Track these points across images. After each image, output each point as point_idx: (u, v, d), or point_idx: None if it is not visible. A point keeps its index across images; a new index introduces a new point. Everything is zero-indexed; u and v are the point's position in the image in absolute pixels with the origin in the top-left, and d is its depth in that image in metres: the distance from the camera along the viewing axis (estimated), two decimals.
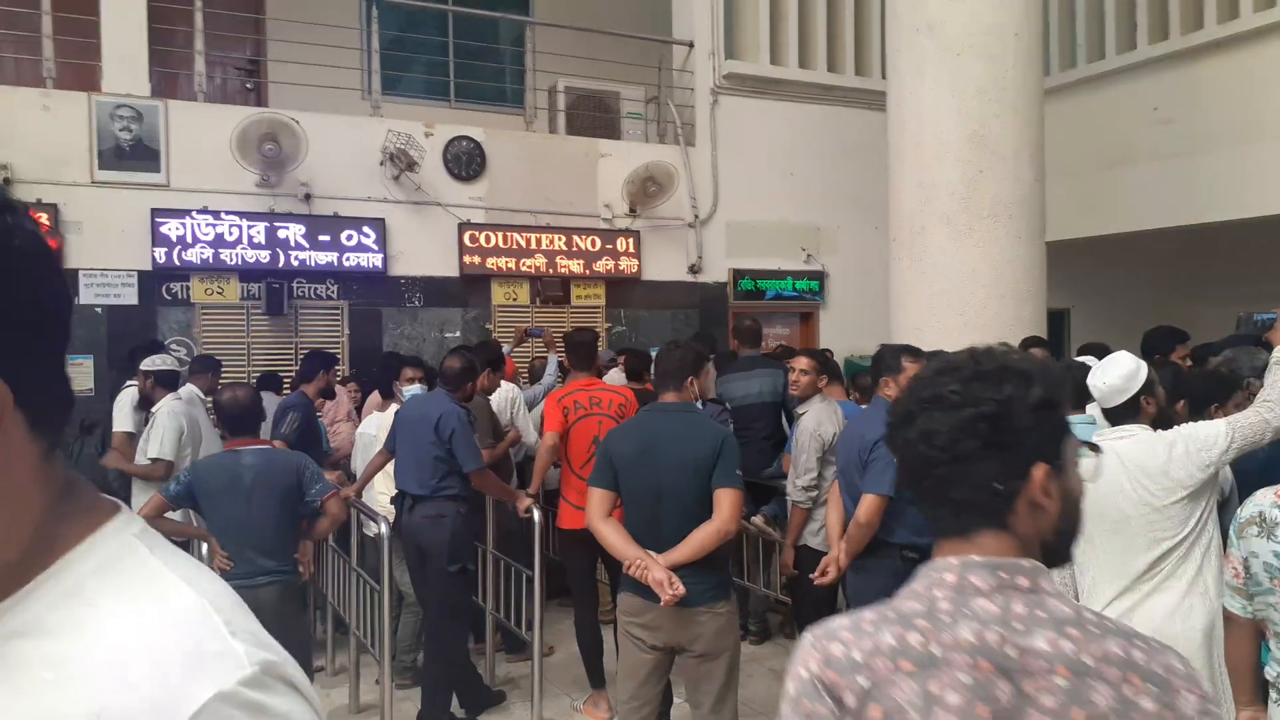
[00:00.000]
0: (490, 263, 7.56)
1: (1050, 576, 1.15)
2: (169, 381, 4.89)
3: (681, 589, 3.01)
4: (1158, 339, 5.05)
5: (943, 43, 5.62)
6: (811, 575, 3.85)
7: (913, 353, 3.83)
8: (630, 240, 8.00)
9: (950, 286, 5.67)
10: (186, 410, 4.78)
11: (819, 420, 4.26)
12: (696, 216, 8.27)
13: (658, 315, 8.18)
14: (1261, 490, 2.45)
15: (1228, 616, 2.46)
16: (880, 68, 8.31)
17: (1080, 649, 1.07)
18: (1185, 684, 1.07)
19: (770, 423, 5.44)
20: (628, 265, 7.98)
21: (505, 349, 6.12)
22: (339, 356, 6.20)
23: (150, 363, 4.93)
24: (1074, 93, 8.12)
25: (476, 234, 7.53)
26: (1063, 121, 7.77)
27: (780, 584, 4.96)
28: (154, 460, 4.64)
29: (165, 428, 4.65)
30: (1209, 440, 2.95)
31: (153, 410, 4.78)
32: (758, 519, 5.16)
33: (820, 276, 8.81)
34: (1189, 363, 4.81)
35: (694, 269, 8.28)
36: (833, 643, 1.15)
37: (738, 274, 8.46)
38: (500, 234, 7.60)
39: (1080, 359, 4.11)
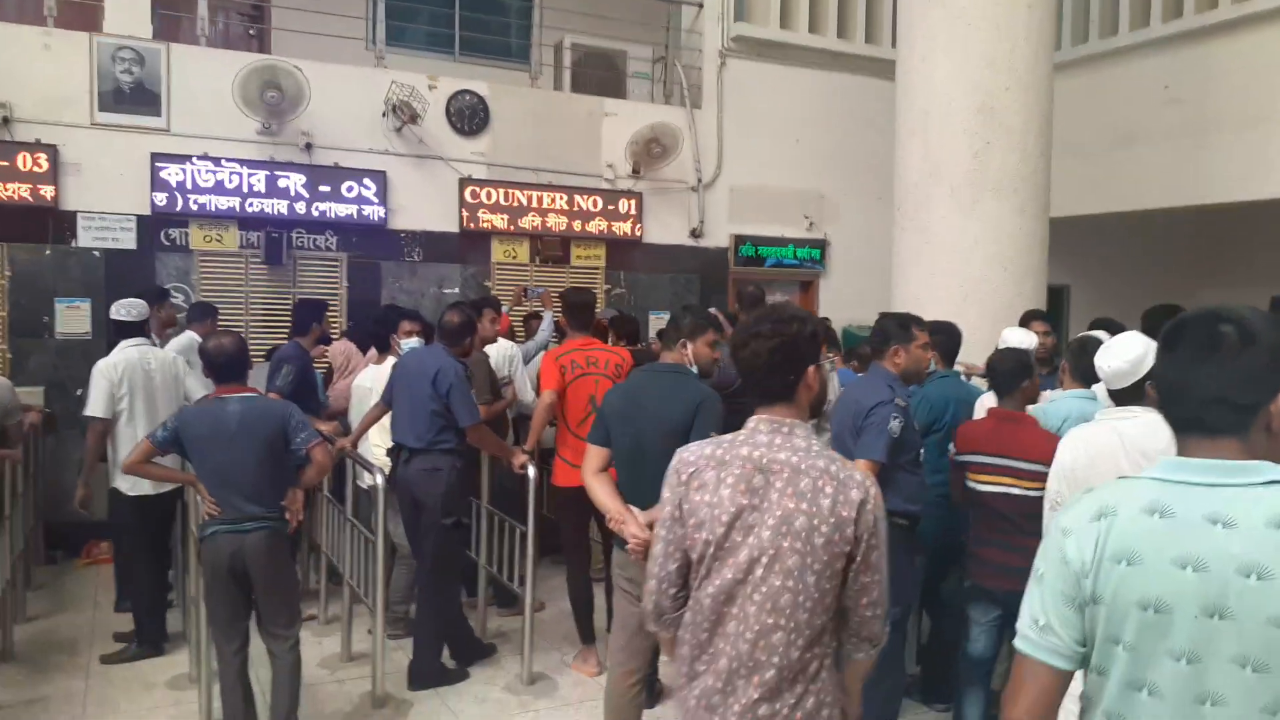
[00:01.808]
0: (491, 219, 7.52)
1: (805, 426, 2.05)
2: (124, 331, 4.78)
3: (645, 539, 3.04)
4: (1157, 318, 5.04)
5: (954, 11, 5.56)
6: None
7: (918, 322, 3.85)
8: (632, 202, 7.96)
9: (952, 258, 5.66)
10: (129, 360, 4.67)
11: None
12: (700, 180, 8.22)
13: (657, 279, 8.16)
14: None
15: None
16: (891, 36, 8.23)
17: (801, 460, 1.96)
18: (856, 485, 1.94)
19: None
20: (629, 227, 7.95)
21: (504, 307, 6.12)
22: (328, 304, 6.18)
23: (114, 310, 4.87)
24: (1085, 68, 8.06)
25: (478, 190, 7.49)
26: (1073, 97, 7.72)
27: None
28: (89, 419, 4.61)
29: (95, 386, 4.61)
30: None
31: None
32: None
33: (822, 245, 8.79)
34: None
35: (695, 233, 8.25)
36: (686, 452, 2.10)
37: (739, 239, 8.43)
38: (502, 190, 7.56)
39: (1092, 333, 4.11)
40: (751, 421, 2.04)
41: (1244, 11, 7.01)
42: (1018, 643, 1.54)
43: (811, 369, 2.04)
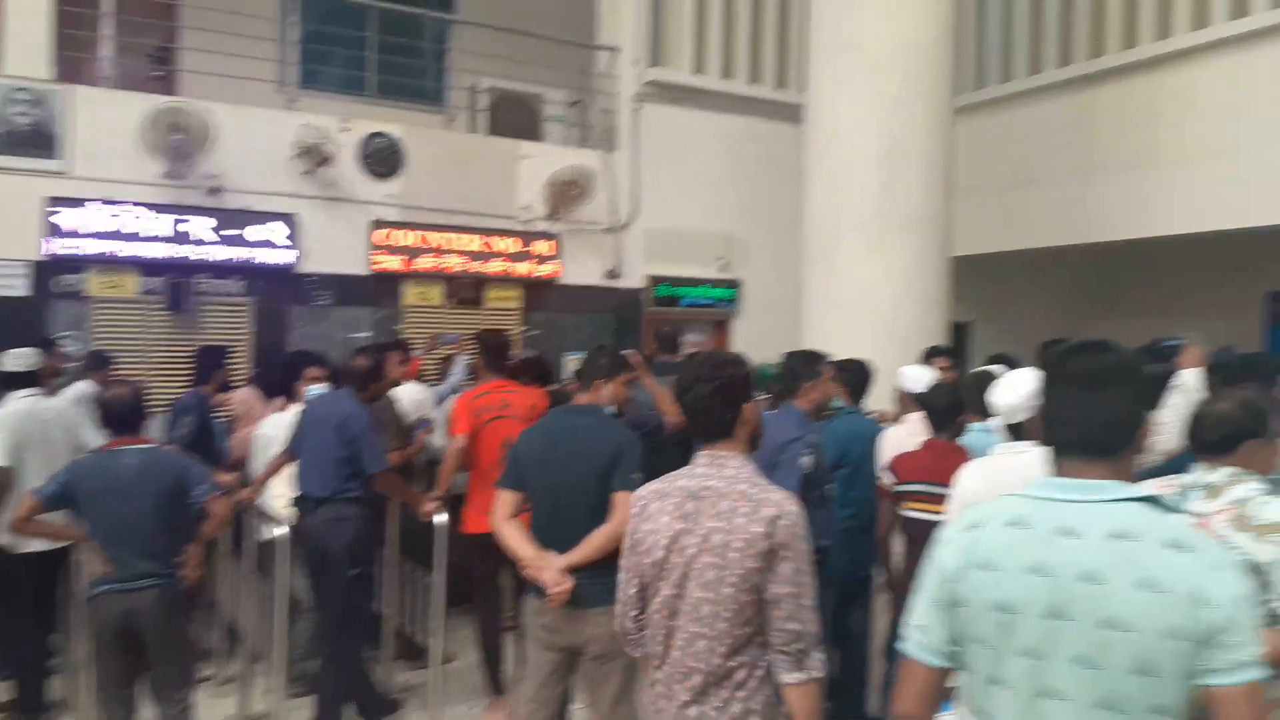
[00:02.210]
0: (403, 262, 7.44)
1: (739, 458, 2.28)
2: (14, 382, 4.51)
3: (567, 588, 3.05)
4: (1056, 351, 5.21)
5: (860, 58, 5.75)
6: None
7: (822, 358, 3.93)
8: (548, 243, 7.96)
9: (860, 296, 5.79)
10: (21, 412, 4.43)
11: None
12: (616, 222, 8.27)
13: (574, 320, 8.16)
14: (1147, 481, 2.55)
15: None
16: (800, 81, 8.45)
17: (727, 486, 2.20)
18: (771, 505, 2.15)
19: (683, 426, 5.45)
20: (545, 268, 7.95)
21: (415, 350, 6.04)
22: (229, 350, 6.01)
23: (2, 361, 4.65)
24: (985, 112, 8.39)
25: (390, 232, 7.41)
26: (974, 139, 8.02)
27: None
28: None
29: None
30: None
31: None
32: None
33: (735, 285, 8.91)
34: None
35: (612, 274, 8.28)
36: (640, 490, 2.37)
37: (655, 280, 8.49)
38: (414, 233, 7.49)
39: (987, 368, 4.22)
40: (698, 457, 2.32)
41: (1128, 60, 7.39)
42: (901, 644, 1.72)
43: (748, 406, 2.30)
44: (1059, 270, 9.89)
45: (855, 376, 4.53)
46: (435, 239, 7.56)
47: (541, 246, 7.93)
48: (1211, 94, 6.84)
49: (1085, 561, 1.50)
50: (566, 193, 7.75)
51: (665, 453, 5.07)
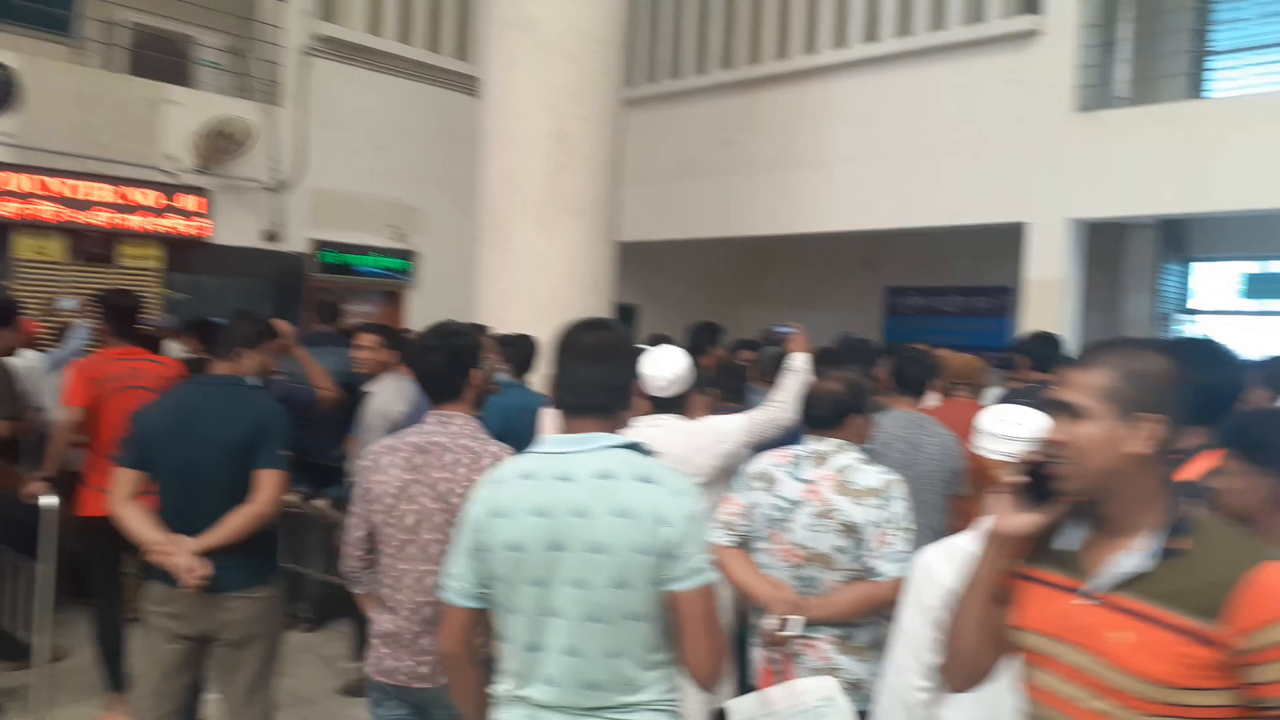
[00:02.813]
0: (17, 209, 6.45)
1: (464, 416, 2.53)
2: None
3: (204, 573, 2.86)
4: (699, 334, 5.61)
5: (535, 40, 5.77)
6: None
7: (483, 332, 3.93)
8: (196, 199, 7.26)
9: (529, 276, 5.85)
10: None
11: (388, 400, 4.16)
12: (278, 180, 7.73)
13: (228, 284, 7.52)
14: (767, 452, 2.82)
15: (717, 549, 2.78)
16: (479, 55, 8.37)
17: (451, 440, 2.46)
18: (489, 455, 2.42)
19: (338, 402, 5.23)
20: (193, 226, 7.24)
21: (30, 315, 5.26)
22: None
23: None
24: (653, 105, 8.81)
25: (1, 174, 6.39)
26: (643, 131, 8.39)
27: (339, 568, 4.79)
28: None
29: None
30: (726, 433, 3.31)
31: None
32: (321, 501, 4.96)
33: (410, 256, 8.68)
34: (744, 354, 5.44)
35: (271, 236, 7.73)
36: (374, 444, 2.62)
37: (320, 245, 8.05)
38: (31, 177, 6.52)
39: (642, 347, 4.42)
40: (428, 415, 2.56)
41: (780, 69, 8.09)
42: (440, 591, 1.98)
43: (475, 371, 2.57)
44: (716, 259, 10.66)
45: (520, 352, 4.60)
46: (57, 185, 6.62)
47: (189, 202, 7.21)
48: (848, 106, 7.68)
49: (577, 500, 1.78)
50: (220, 145, 7.12)
51: (318, 428, 4.85)
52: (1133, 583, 1.44)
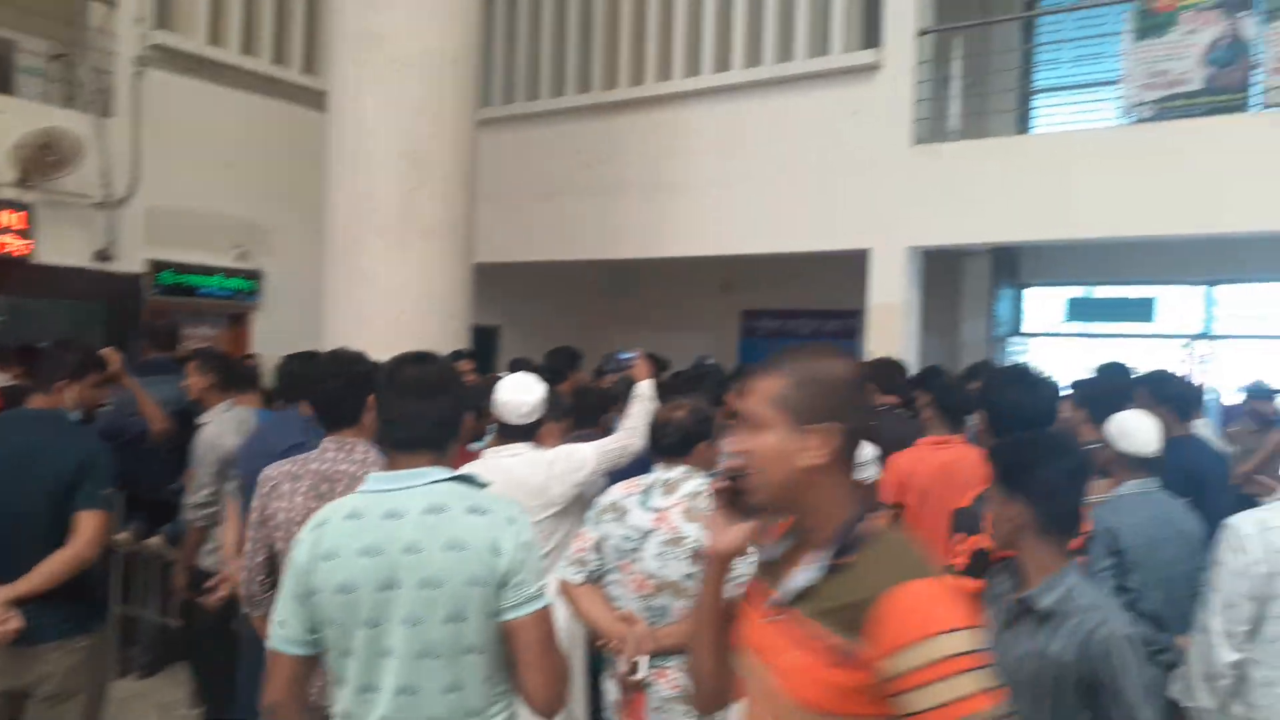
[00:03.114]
0: None
1: (365, 443, 2.60)
2: None
3: (15, 625, 2.69)
4: (558, 358, 5.60)
5: (385, 56, 5.66)
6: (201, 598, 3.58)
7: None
8: (17, 215, 6.75)
9: (382, 299, 5.71)
10: None
11: (219, 431, 3.94)
12: (110, 196, 7.28)
13: (53, 306, 7.02)
14: (618, 484, 2.83)
15: (568, 587, 2.78)
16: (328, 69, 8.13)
17: (358, 469, 2.51)
18: (363, 470, 2.48)
19: (174, 433, 4.95)
20: (14, 244, 6.73)
21: None
22: None
23: None
24: (511, 126, 8.76)
25: None
26: (502, 151, 8.34)
27: (176, 609, 4.53)
28: None
29: None
30: (581, 461, 3.31)
31: None
32: (156, 539, 4.68)
33: (256, 276, 8.32)
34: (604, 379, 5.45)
35: (103, 255, 7.26)
36: (269, 469, 2.62)
37: (158, 266, 7.62)
38: None
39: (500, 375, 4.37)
40: (325, 442, 2.61)
41: (637, 94, 8.19)
42: (268, 641, 1.87)
43: (372, 397, 2.39)
44: (580, 281, 10.68)
45: None
46: None
47: (8, 218, 6.70)
48: (705, 133, 7.83)
49: (407, 536, 1.76)
50: (43, 157, 6.64)
51: (151, 462, 4.57)
52: (802, 598, 1.39)
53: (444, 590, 1.74)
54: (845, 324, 9.89)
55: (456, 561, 1.75)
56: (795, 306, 10.37)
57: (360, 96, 5.72)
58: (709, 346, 9.20)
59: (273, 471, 2.61)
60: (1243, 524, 2.37)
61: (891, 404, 4.50)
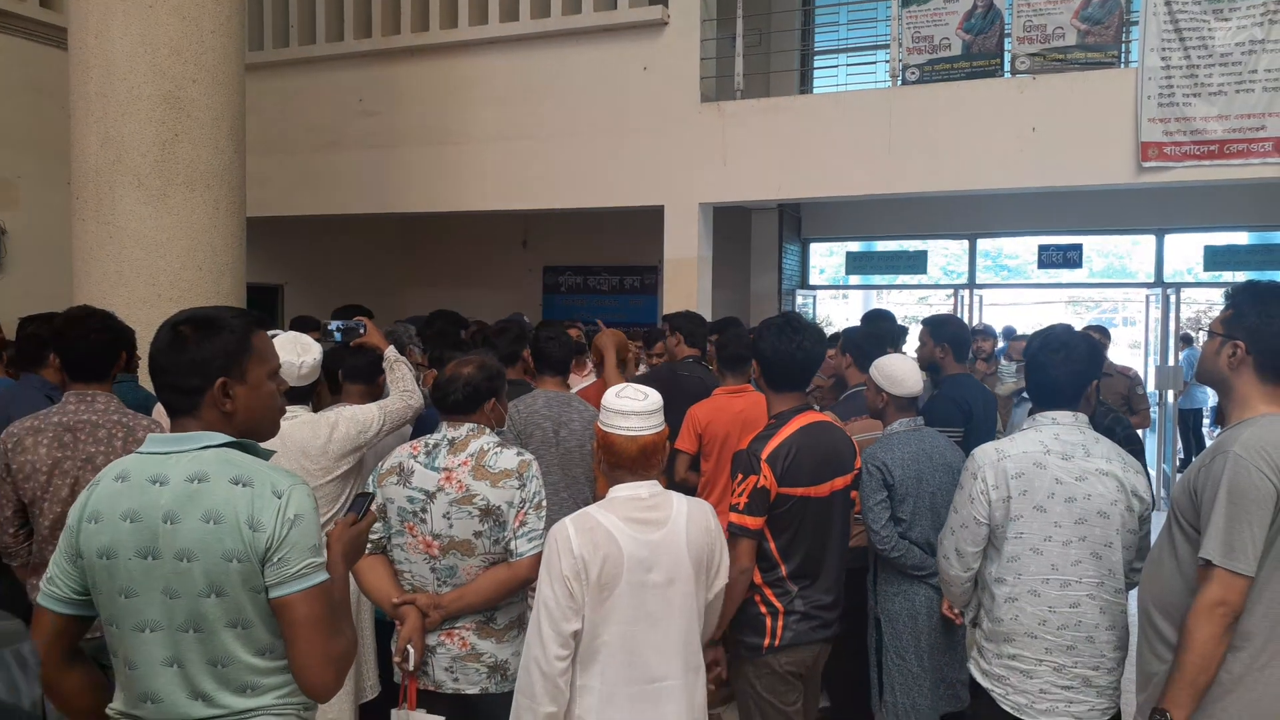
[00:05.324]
0: None
1: (106, 395, 2.82)
2: None
3: None
4: (341, 317, 5.33)
5: None
6: None
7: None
8: None
9: (143, 254, 5.22)
10: None
11: None
12: None
13: None
14: (401, 445, 2.73)
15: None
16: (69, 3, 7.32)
17: (100, 418, 2.77)
18: (141, 429, 2.81)
19: None
20: None
21: None
22: None
23: None
24: (286, 72, 8.22)
25: None
26: (274, 98, 7.83)
27: None
28: None
29: None
30: (366, 423, 3.19)
31: None
32: None
33: None
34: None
35: None
36: (12, 426, 2.80)
37: None
38: None
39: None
40: (68, 395, 2.81)
41: (420, 42, 7.87)
42: (38, 596, 1.80)
43: (123, 354, 2.92)
44: (370, 236, 10.25)
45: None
46: None
47: None
48: (494, 84, 7.63)
49: (167, 504, 1.68)
50: None
51: None
52: None
53: (199, 564, 1.67)
54: (644, 279, 10.03)
55: (212, 535, 1.67)
56: (595, 262, 10.41)
57: (107, 33, 5.16)
58: (511, 303, 9.09)
59: (14, 428, 2.78)
60: (982, 453, 2.58)
61: (693, 355, 4.63)
